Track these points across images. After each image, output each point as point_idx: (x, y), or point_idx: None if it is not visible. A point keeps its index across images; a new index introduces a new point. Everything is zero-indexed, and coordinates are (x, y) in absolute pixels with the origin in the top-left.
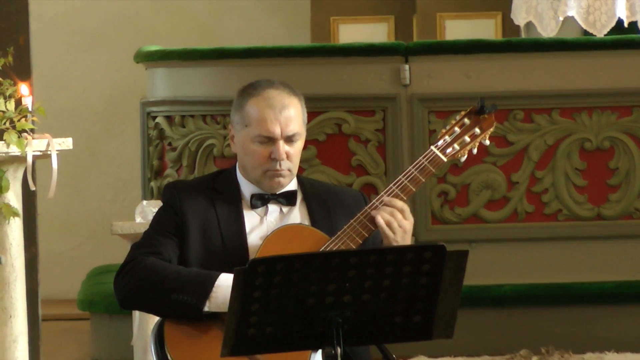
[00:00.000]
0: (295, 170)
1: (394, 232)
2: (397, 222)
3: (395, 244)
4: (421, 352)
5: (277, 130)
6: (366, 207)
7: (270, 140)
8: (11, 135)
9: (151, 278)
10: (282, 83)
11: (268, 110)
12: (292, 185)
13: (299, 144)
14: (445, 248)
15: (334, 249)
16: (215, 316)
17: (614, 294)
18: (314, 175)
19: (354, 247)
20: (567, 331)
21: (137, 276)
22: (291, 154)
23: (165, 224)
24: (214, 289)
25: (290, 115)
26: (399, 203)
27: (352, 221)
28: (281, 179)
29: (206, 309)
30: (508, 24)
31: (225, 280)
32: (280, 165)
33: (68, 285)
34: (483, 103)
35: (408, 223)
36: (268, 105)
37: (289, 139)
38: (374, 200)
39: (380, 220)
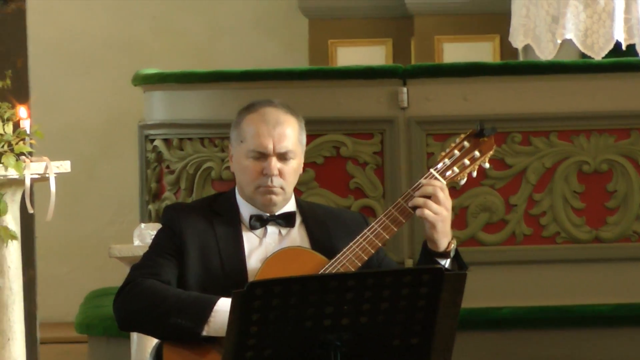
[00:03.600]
0: (289, 189)
1: (435, 216)
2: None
3: (440, 228)
4: None
5: (269, 146)
6: (365, 231)
7: (263, 155)
8: (9, 158)
9: (150, 300)
10: (282, 103)
11: (262, 126)
12: (291, 206)
13: (294, 162)
14: (443, 271)
15: (333, 272)
16: (213, 339)
17: (612, 317)
18: (312, 198)
19: (353, 270)
20: (566, 354)
21: (137, 298)
22: (284, 172)
23: (165, 246)
24: (212, 313)
25: (284, 132)
26: (429, 188)
27: (351, 244)
28: (273, 196)
29: (204, 333)
30: (506, 47)
31: (223, 305)
32: (271, 181)
33: (66, 308)
34: (483, 126)
35: (440, 208)
36: (262, 121)
37: (282, 156)
38: (373, 224)
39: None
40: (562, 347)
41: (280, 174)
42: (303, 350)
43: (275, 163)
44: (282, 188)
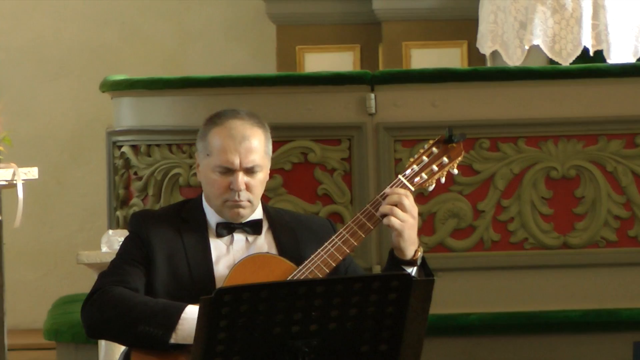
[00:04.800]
0: (256, 201)
1: (402, 223)
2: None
3: (406, 236)
4: None
5: (236, 161)
6: (333, 237)
7: (230, 170)
8: None
9: (118, 308)
10: (247, 113)
11: (228, 141)
12: (258, 214)
13: (260, 175)
14: (412, 277)
15: (301, 278)
16: (182, 346)
17: (580, 323)
18: (280, 204)
19: (321, 276)
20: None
21: (104, 306)
22: (251, 185)
23: (132, 253)
24: (180, 321)
25: (250, 147)
26: (394, 197)
27: (319, 250)
28: (240, 210)
29: (172, 341)
30: (474, 53)
31: (191, 313)
32: (239, 196)
33: (34, 315)
34: (451, 132)
35: (406, 216)
36: (229, 136)
37: (249, 171)
38: (341, 230)
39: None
40: (531, 353)
41: (247, 187)
42: (271, 357)
43: (242, 178)
44: (249, 201)
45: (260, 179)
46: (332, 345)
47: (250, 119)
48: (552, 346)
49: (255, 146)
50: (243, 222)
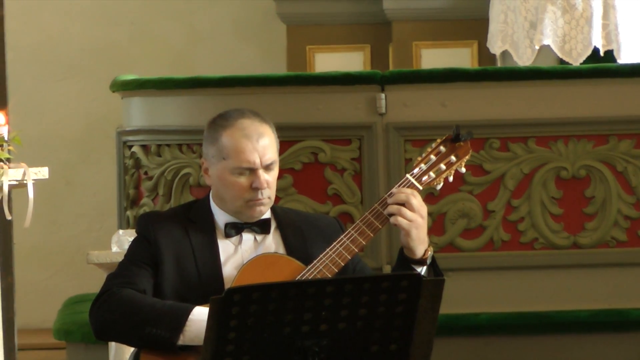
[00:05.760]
0: (273, 197)
1: (409, 222)
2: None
3: (414, 235)
4: None
5: (256, 160)
6: (342, 236)
7: (250, 170)
8: None
9: (126, 310)
10: (251, 112)
11: (245, 141)
12: (266, 213)
13: (276, 171)
14: (422, 277)
15: (310, 278)
16: (190, 347)
17: (590, 323)
18: (290, 204)
19: (330, 275)
20: (543, 359)
21: (112, 308)
22: (270, 182)
23: (140, 255)
24: (187, 322)
25: (266, 144)
26: (401, 196)
27: (327, 250)
28: (262, 208)
29: (180, 342)
30: (484, 53)
31: (199, 314)
32: (261, 194)
33: (44, 315)
34: (459, 130)
35: (414, 215)
36: (244, 136)
37: (268, 167)
38: (349, 229)
39: (397, 219)
40: (541, 353)
41: (267, 184)
42: (281, 357)
43: (263, 176)
44: (269, 198)
45: (276, 175)
46: (342, 345)
47: (256, 116)
48: (561, 346)
49: (269, 143)
50: (252, 221)
